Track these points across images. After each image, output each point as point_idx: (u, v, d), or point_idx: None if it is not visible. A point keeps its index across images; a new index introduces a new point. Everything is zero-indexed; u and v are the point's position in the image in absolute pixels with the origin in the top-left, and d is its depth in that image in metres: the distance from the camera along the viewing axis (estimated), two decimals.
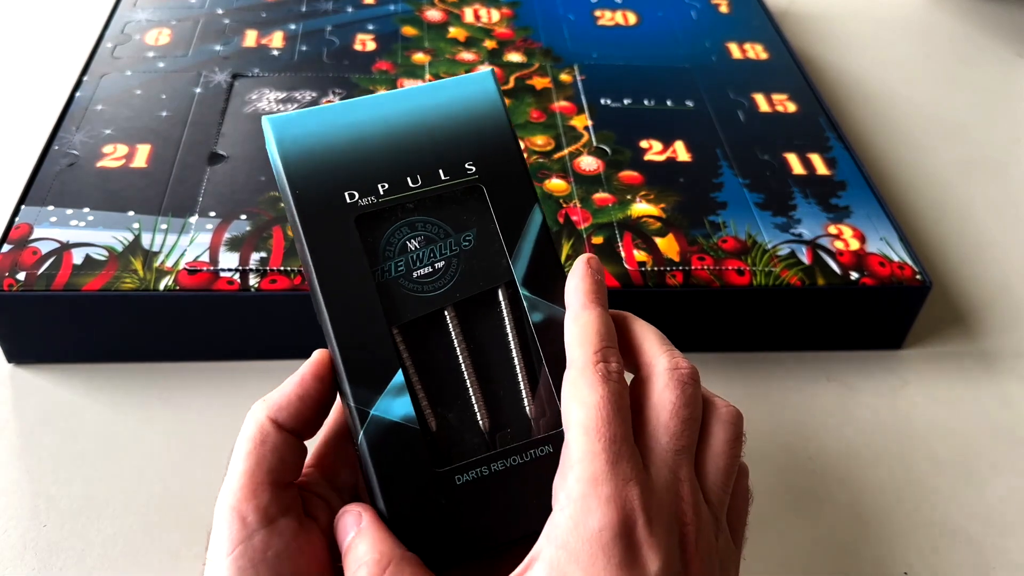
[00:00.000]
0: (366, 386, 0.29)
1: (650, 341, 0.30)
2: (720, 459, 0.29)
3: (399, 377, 0.29)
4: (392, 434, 0.28)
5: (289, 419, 0.29)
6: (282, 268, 0.47)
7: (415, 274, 0.31)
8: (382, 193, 0.31)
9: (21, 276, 0.45)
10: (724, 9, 0.76)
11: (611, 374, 0.28)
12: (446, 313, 0.31)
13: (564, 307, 0.31)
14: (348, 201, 0.31)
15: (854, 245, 0.52)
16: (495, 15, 0.72)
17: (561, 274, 0.31)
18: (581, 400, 0.27)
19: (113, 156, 0.54)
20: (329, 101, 0.60)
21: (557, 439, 0.29)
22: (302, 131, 0.31)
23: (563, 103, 0.62)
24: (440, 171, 0.32)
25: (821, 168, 0.58)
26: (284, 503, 0.28)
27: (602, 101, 0.62)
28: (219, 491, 0.29)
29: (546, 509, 0.27)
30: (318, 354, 0.31)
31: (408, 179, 0.31)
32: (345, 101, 0.33)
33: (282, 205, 0.32)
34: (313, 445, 0.33)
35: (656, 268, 0.49)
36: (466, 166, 0.32)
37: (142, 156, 0.54)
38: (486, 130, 0.33)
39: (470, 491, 0.28)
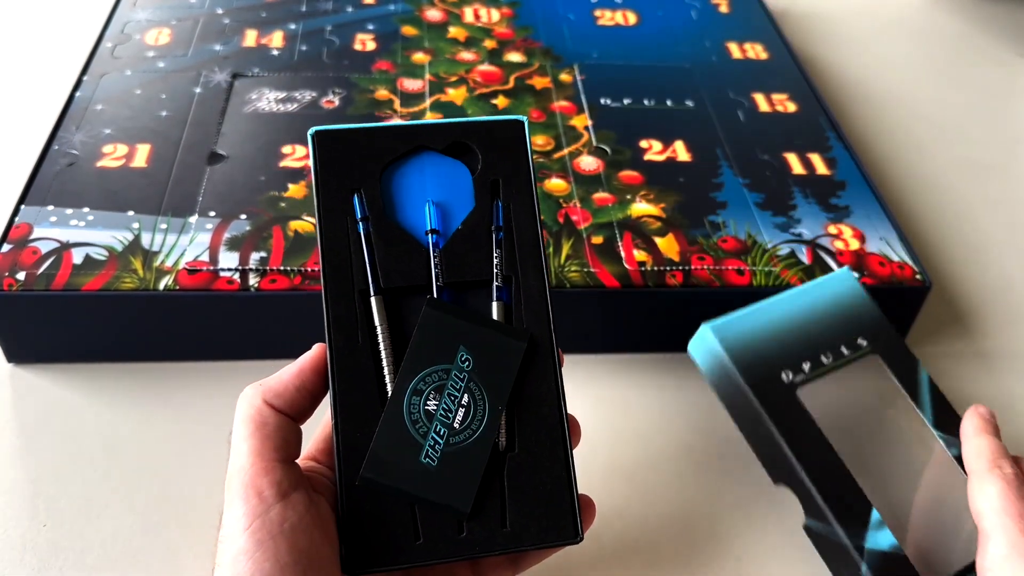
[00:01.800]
0: (853, 522, 0.39)
1: None
2: None
3: (875, 514, 0.39)
4: (889, 563, 0.38)
5: (284, 405, 0.31)
6: (282, 268, 0.47)
7: None
8: (807, 371, 0.43)
9: (21, 276, 0.45)
10: (724, 9, 0.76)
11: (1007, 475, 0.36)
12: None
13: (958, 436, 0.40)
14: (785, 381, 0.42)
15: (854, 245, 0.52)
16: (495, 15, 0.72)
17: (952, 411, 0.43)
18: (987, 492, 0.36)
19: (113, 156, 0.54)
20: (330, 102, 0.60)
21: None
22: (737, 331, 0.43)
23: (563, 103, 0.62)
24: (843, 347, 0.44)
25: (821, 168, 0.58)
26: (294, 478, 0.29)
27: (602, 101, 0.62)
28: (226, 473, 0.29)
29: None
30: (318, 348, 0.32)
31: (822, 356, 0.43)
32: (755, 306, 0.44)
33: (726, 400, 0.44)
34: (313, 438, 0.34)
35: (656, 268, 0.49)
36: (858, 341, 0.44)
37: (142, 156, 0.54)
38: (862, 314, 0.45)
39: None
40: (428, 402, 0.31)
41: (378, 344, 0.32)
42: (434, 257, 0.34)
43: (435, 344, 0.32)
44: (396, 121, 0.35)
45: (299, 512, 0.29)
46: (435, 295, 0.33)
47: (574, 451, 0.33)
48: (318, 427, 0.34)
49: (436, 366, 0.32)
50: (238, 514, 0.28)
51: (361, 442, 0.31)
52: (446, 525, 0.31)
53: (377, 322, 0.33)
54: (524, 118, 0.36)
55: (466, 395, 0.32)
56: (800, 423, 0.41)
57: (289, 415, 0.31)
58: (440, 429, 0.31)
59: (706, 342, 0.43)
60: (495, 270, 0.34)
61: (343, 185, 0.34)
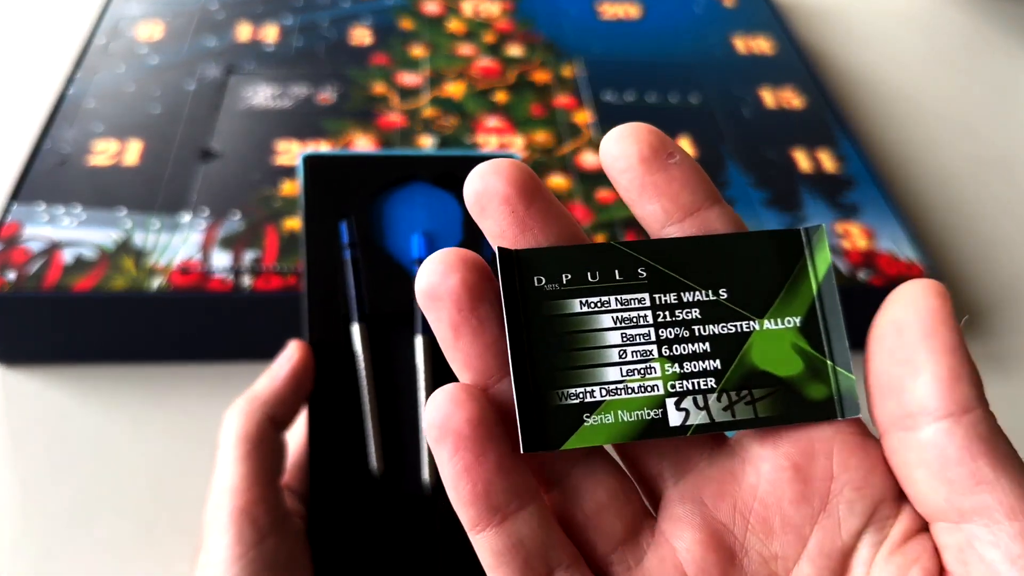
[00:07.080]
0: None
1: None
2: None
3: None
4: None
5: (286, 420, 0.29)
6: (276, 267, 0.46)
7: None
8: None
9: (11, 275, 0.44)
10: (729, 2, 0.75)
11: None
12: None
13: None
14: None
15: (862, 244, 0.51)
16: (495, 8, 0.71)
17: None
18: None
19: (105, 153, 0.53)
20: (326, 98, 0.59)
21: None
22: None
23: (564, 98, 0.61)
24: None
25: (829, 165, 0.57)
26: (284, 504, 0.28)
27: (604, 96, 0.61)
28: (211, 491, 0.28)
29: None
30: (300, 349, 0.30)
31: None
32: None
33: None
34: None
35: None
36: None
37: (134, 153, 0.53)
38: None
39: None
40: None
41: (358, 373, 0.32)
42: None
43: None
44: (389, 150, 0.35)
45: (290, 544, 0.27)
46: (418, 324, 0.33)
47: None
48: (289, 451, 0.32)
49: None
50: (226, 543, 0.26)
51: (334, 471, 0.30)
52: None
53: (359, 350, 0.32)
54: (517, 155, 0.36)
55: None
56: None
57: (284, 428, 0.29)
58: None
59: None
60: None
61: (332, 211, 0.34)
